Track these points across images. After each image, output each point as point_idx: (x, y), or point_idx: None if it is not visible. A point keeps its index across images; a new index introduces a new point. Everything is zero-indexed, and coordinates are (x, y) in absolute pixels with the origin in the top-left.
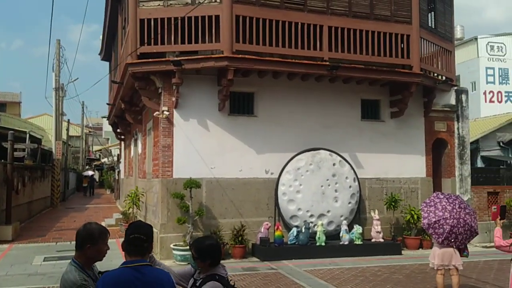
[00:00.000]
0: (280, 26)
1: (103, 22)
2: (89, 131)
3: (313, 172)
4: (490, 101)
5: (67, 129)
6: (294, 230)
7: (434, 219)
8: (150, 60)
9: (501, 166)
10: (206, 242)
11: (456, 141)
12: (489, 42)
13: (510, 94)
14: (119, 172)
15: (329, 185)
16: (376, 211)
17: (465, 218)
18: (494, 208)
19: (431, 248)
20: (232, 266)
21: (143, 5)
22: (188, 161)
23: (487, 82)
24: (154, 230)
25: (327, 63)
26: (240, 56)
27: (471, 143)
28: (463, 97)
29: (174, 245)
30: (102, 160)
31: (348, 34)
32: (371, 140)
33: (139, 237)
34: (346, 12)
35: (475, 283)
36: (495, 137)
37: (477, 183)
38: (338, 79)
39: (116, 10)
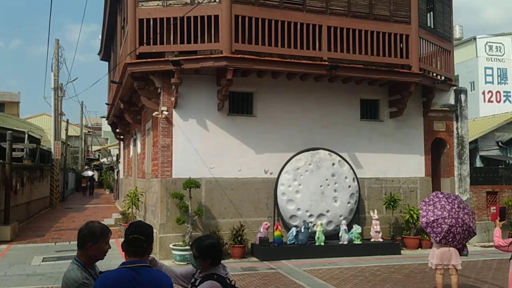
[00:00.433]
0: (279, 26)
1: (102, 22)
2: (88, 131)
3: (312, 172)
4: (489, 101)
5: (66, 129)
6: (294, 230)
7: (432, 218)
8: (149, 60)
9: (500, 166)
10: (207, 241)
11: (455, 140)
12: (487, 42)
13: (509, 94)
14: (118, 172)
15: (328, 185)
16: (375, 211)
17: (464, 218)
18: (493, 209)
19: (430, 247)
20: (231, 266)
21: (142, 5)
22: (187, 161)
23: (486, 82)
24: (154, 230)
25: (326, 63)
26: (239, 56)
27: (470, 142)
28: (462, 97)
29: (173, 245)
30: (101, 160)
31: (347, 34)
32: (370, 140)
33: (138, 238)
34: (345, 12)
35: (474, 282)
36: (494, 137)
37: (476, 183)
38: (337, 79)
39: (115, 9)
